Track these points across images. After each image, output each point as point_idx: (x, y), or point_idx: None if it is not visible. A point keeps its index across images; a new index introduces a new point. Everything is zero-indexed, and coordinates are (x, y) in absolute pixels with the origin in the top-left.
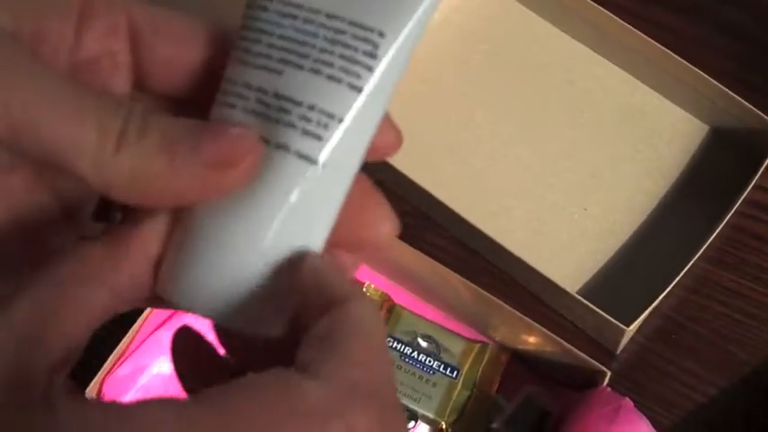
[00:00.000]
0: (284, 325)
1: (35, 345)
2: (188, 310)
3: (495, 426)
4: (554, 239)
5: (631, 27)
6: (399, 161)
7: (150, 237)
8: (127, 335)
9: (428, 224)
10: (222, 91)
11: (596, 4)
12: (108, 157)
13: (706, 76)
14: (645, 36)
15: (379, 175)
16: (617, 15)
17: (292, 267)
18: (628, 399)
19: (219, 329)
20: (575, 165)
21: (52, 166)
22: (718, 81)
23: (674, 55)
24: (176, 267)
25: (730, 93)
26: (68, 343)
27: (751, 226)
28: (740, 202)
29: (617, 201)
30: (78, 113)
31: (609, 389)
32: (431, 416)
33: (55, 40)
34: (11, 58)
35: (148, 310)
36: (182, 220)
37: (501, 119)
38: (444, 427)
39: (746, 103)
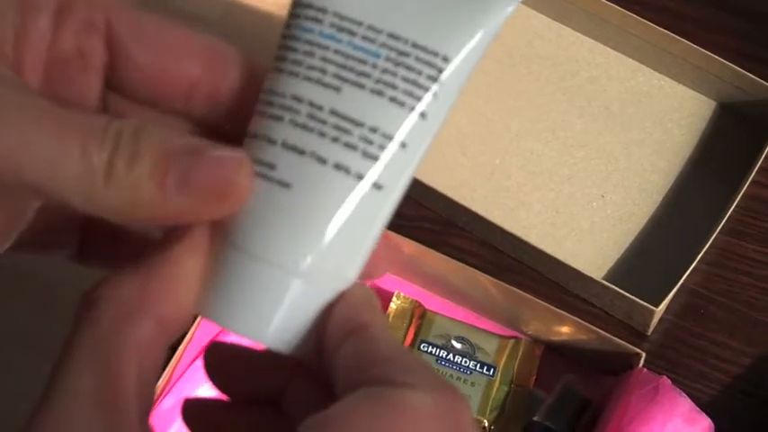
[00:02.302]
0: (315, 348)
1: (110, 399)
2: (223, 326)
3: (537, 418)
4: (575, 229)
5: (630, 13)
6: None
7: (188, 258)
8: (167, 367)
9: (450, 228)
10: (265, 102)
11: None
12: (99, 190)
13: (710, 54)
14: (645, 20)
15: None
16: (614, 2)
17: (332, 291)
18: (665, 377)
19: (213, 377)
20: (588, 153)
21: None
22: (721, 57)
23: (676, 36)
24: (215, 284)
25: (736, 67)
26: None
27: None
28: (755, 171)
29: (633, 184)
30: (62, 147)
31: (645, 370)
32: (473, 415)
33: (36, 36)
34: None
35: (186, 340)
36: (219, 236)
37: (510, 114)
38: (487, 424)
39: (753, 76)
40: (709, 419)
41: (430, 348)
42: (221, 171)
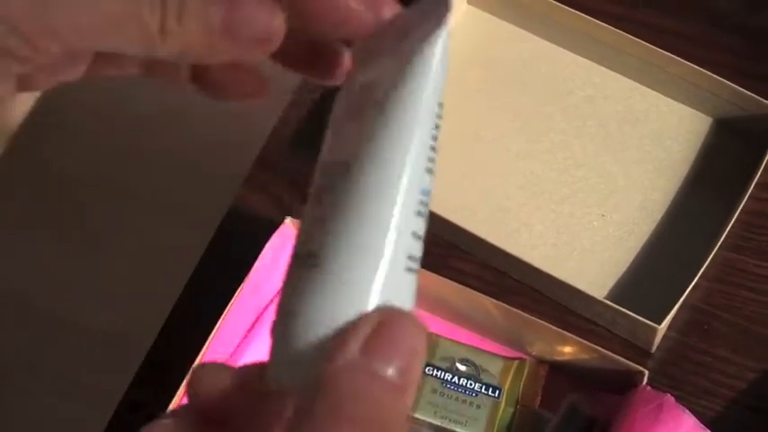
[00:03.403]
0: None
1: None
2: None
3: None
4: (576, 249)
5: (623, 32)
6: None
7: None
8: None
9: (452, 250)
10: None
11: (585, 15)
12: (157, 44)
13: (705, 71)
14: (638, 39)
15: None
16: (606, 23)
17: None
18: (669, 395)
19: None
20: (587, 173)
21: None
22: (716, 73)
23: (670, 54)
24: (280, 351)
25: (730, 84)
26: None
27: (766, 208)
28: (753, 186)
29: (633, 202)
30: (124, 11)
31: (649, 387)
32: None
33: None
34: None
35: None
36: (277, 312)
37: (508, 135)
38: None
39: (748, 92)
40: None
41: (435, 372)
42: (257, 16)
